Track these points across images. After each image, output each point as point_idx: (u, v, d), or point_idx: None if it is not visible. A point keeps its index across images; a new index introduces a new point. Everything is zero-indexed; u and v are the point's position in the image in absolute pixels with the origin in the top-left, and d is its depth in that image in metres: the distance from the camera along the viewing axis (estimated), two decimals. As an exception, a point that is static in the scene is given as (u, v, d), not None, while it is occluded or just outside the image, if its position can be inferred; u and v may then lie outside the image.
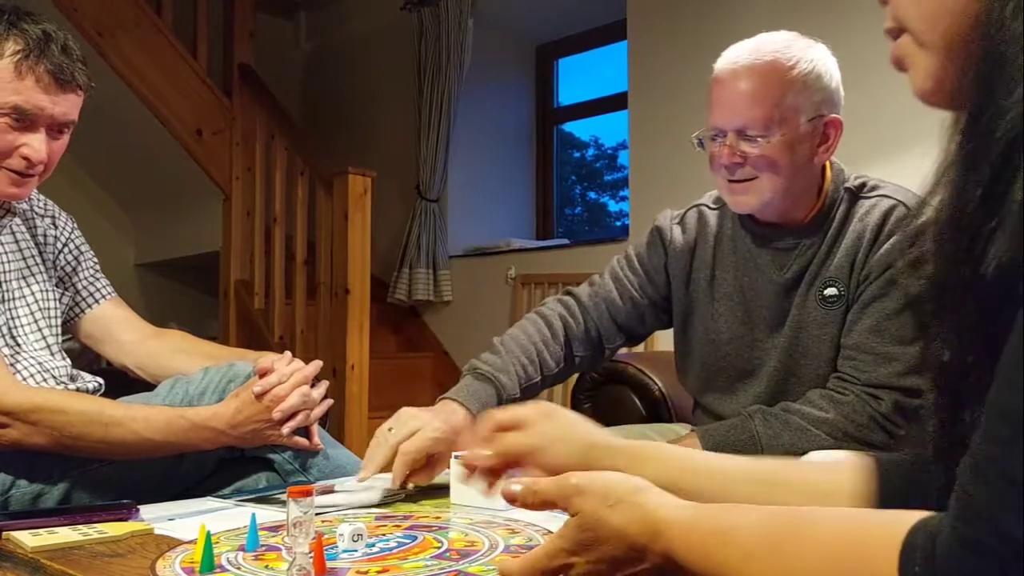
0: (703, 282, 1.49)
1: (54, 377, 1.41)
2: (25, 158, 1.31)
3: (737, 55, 1.33)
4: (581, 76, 4.43)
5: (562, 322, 1.52)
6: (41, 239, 1.50)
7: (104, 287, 1.58)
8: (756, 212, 1.39)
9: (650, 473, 0.72)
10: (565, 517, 1.07)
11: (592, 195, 4.76)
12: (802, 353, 1.38)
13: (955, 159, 0.45)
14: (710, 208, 1.52)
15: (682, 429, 1.53)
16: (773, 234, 1.41)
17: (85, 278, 1.56)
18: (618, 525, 0.64)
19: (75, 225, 1.58)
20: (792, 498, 0.72)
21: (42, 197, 1.53)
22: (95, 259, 1.59)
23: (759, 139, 1.30)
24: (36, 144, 1.31)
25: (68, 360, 1.47)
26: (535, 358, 1.46)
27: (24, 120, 1.30)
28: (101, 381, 1.50)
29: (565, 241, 4.08)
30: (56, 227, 1.53)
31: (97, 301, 1.56)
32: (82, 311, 1.55)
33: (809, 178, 1.36)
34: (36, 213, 1.51)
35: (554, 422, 0.86)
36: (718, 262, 1.47)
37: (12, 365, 1.37)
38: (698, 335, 1.50)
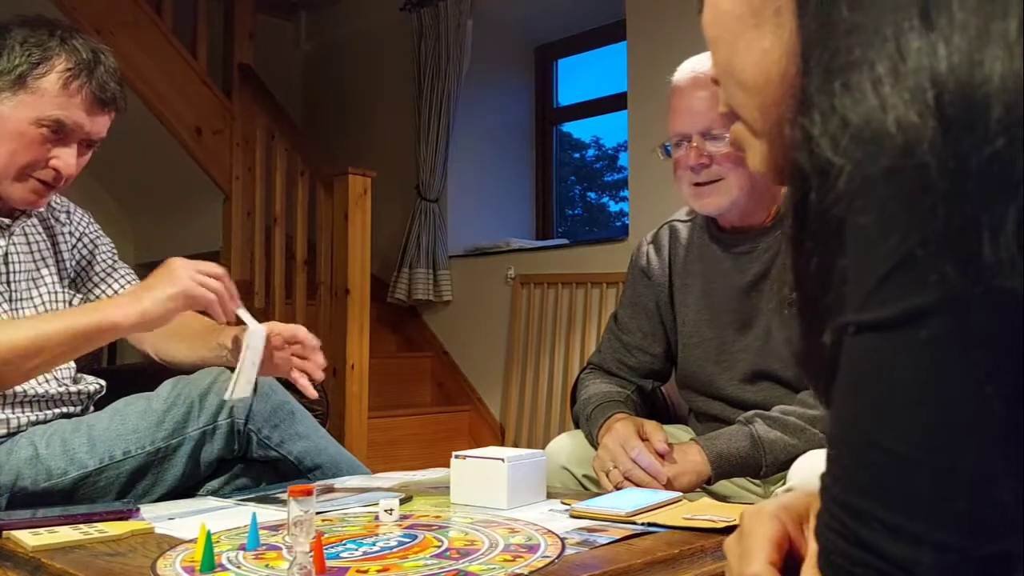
0: (679, 290, 1.57)
1: (56, 378, 1.41)
2: (55, 169, 1.34)
3: (693, 66, 1.43)
4: (580, 77, 4.44)
5: (616, 385, 1.60)
6: (58, 233, 1.51)
7: (122, 277, 1.59)
8: (723, 214, 1.46)
9: None
10: (566, 519, 1.07)
11: (592, 195, 4.76)
12: (776, 357, 1.44)
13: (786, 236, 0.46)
14: (681, 222, 1.61)
15: (681, 432, 1.54)
16: (734, 239, 1.49)
17: (103, 270, 1.57)
18: None
19: (91, 219, 1.60)
20: None
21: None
22: (112, 248, 1.60)
23: (724, 137, 1.37)
24: (67, 158, 1.34)
25: (72, 362, 1.47)
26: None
27: (60, 133, 1.33)
28: (103, 383, 1.51)
29: (565, 241, 4.08)
30: (71, 221, 1.55)
31: (123, 287, 1.57)
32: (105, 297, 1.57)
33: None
34: (51, 207, 1.52)
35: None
36: (688, 270, 1.56)
37: None
38: (680, 340, 1.58)
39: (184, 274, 1.24)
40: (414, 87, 4.15)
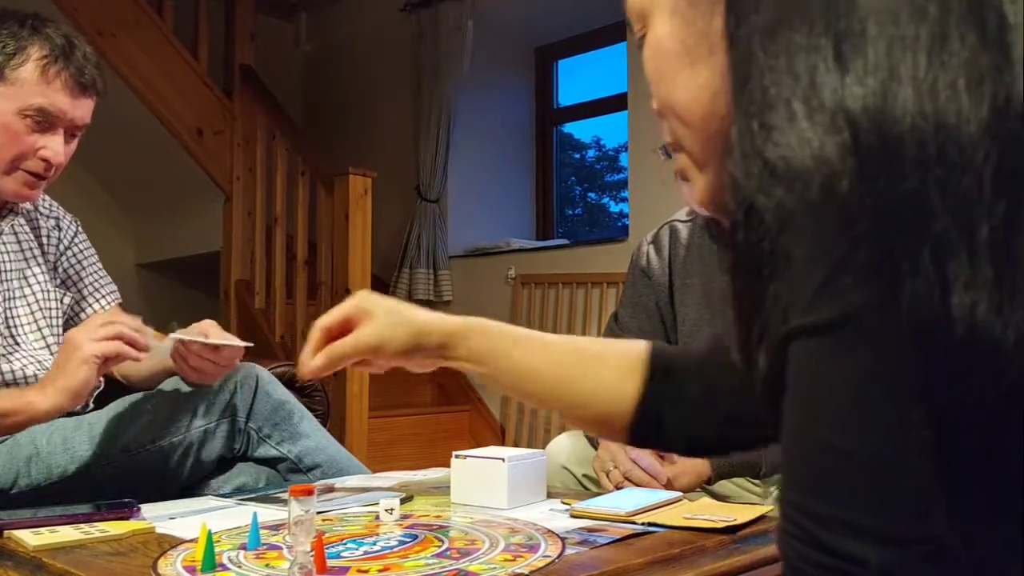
0: (679, 290, 1.58)
1: (53, 376, 1.41)
2: (44, 160, 1.33)
3: None
4: (581, 77, 4.44)
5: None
6: (44, 240, 1.50)
7: (106, 295, 1.58)
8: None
9: (475, 345, 0.84)
10: (566, 518, 1.07)
11: (592, 196, 4.76)
12: None
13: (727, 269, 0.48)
14: (682, 222, 1.61)
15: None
16: None
17: (90, 284, 1.56)
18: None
19: (79, 228, 1.58)
20: (603, 368, 0.85)
21: (47, 198, 1.54)
22: (99, 265, 1.59)
23: None
24: (55, 146, 1.34)
25: None
26: None
27: (45, 122, 1.32)
28: (101, 380, 1.51)
29: (565, 241, 4.09)
30: (60, 229, 1.53)
31: (103, 307, 1.56)
32: (88, 317, 1.56)
33: None
34: (40, 213, 1.52)
35: (381, 313, 0.86)
36: (688, 270, 1.56)
37: (7, 360, 1.37)
38: (680, 340, 1.58)
39: (85, 349, 1.22)
40: (414, 88, 4.15)
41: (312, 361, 0.86)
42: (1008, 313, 0.34)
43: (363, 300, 0.87)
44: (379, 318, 0.85)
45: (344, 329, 0.87)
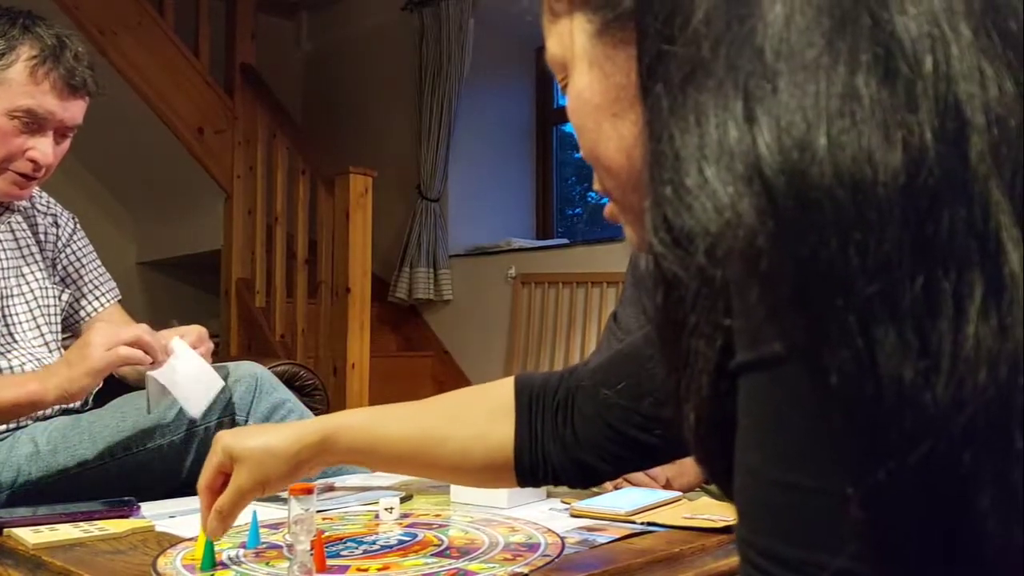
0: None
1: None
2: (32, 161, 1.33)
3: None
4: (582, 76, 4.44)
5: None
6: (42, 237, 1.50)
7: (106, 293, 1.57)
8: None
9: (351, 442, 0.83)
10: (566, 518, 1.08)
11: (592, 195, 4.77)
12: None
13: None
14: None
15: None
16: None
17: (90, 281, 1.56)
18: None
19: (77, 225, 1.58)
20: (474, 417, 0.84)
21: (45, 195, 1.54)
22: (98, 262, 1.59)
23: None
24: (44, 148, 1.33)
25: None
26: None
27: (34, 123, 1.31)
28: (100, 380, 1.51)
29: (565, 241, 4.09)
30: (58, 226, 1.53)
31: (103, 305, 1.57)
32: (88, 315, 1.56)
33: None
34: (38, 211, 1.51)
35: (250, 454, 0.83)
36: None
37: (5, 357, 1.37)
38: None
39: (96, 353, 1.21)
40: (415, 87, 4.15)
41: (209, 527, 0.84)
42: (934, 381, 0.33)
43: (230, 444, 0.83)
44: (250, 459, 0.82)
45: (225, 479, 0.84)
